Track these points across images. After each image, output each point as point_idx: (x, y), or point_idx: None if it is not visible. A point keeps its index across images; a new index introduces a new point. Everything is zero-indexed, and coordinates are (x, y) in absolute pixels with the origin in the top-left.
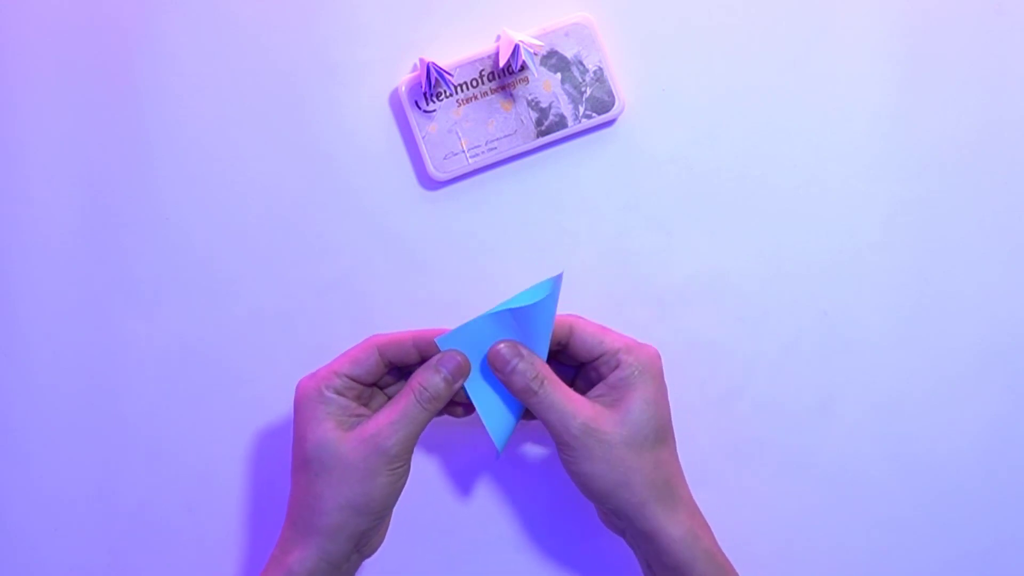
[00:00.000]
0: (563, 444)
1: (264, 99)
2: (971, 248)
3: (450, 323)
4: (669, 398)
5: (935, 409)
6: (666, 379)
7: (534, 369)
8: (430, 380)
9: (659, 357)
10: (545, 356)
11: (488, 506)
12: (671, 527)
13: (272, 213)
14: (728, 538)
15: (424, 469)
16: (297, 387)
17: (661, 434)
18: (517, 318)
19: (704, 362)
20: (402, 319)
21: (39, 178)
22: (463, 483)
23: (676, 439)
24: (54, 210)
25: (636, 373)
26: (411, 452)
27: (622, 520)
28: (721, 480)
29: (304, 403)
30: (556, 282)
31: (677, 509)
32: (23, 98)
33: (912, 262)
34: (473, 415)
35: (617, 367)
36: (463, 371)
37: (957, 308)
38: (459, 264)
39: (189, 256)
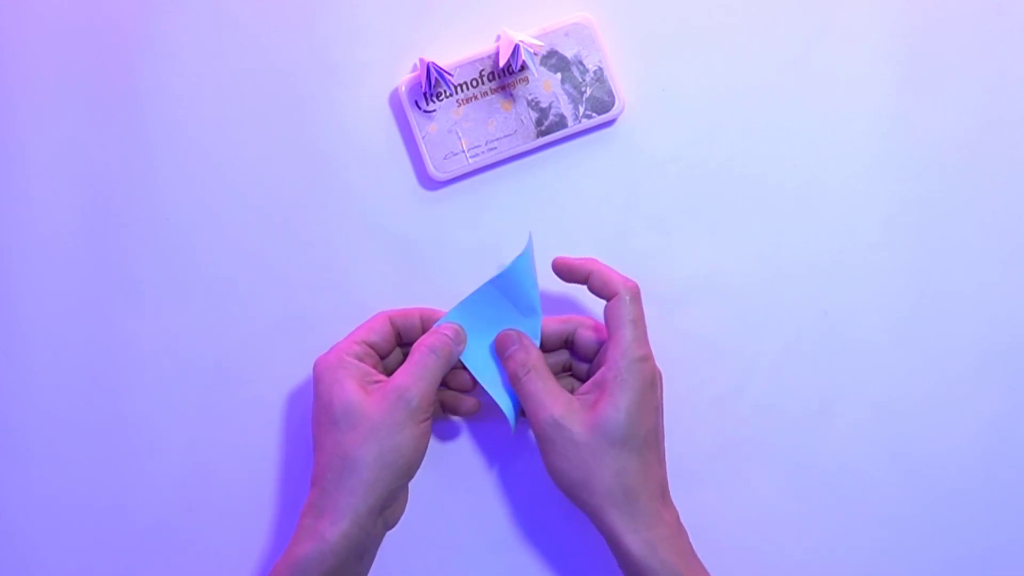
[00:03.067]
0: (536, 435)
1: (264, 99)
2: (971, 248)
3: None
4: (663, 406)
5: (935, 409)
6: (666, 379)
7: (527, 357)
8: (437, 336)
9: (654, 371)
10: (538, 311)
11: (490, 506)
12: (626, 536)
13: (272, 213)
14: (728, 538)
15: (426, 472)
16: (317, 362)
17: (631, 443)
18: (499, 286)
19: (704, 362)
20: None
21: (39, 178)
22: (466, 483)
23: (679, 440)
24: (54, 210)
25: (619, 378)
26: (431, 407)
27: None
28: (721, 480)
29: (326, 370)
30: (527, 245)
31: (635, 519)
32: (23, 98)
33: (912, 262)
34: (480, 415)
35: (603, 366)
36: (461, 335)
37: (957, 308)
38: (459, 264)
39: (189, 256)
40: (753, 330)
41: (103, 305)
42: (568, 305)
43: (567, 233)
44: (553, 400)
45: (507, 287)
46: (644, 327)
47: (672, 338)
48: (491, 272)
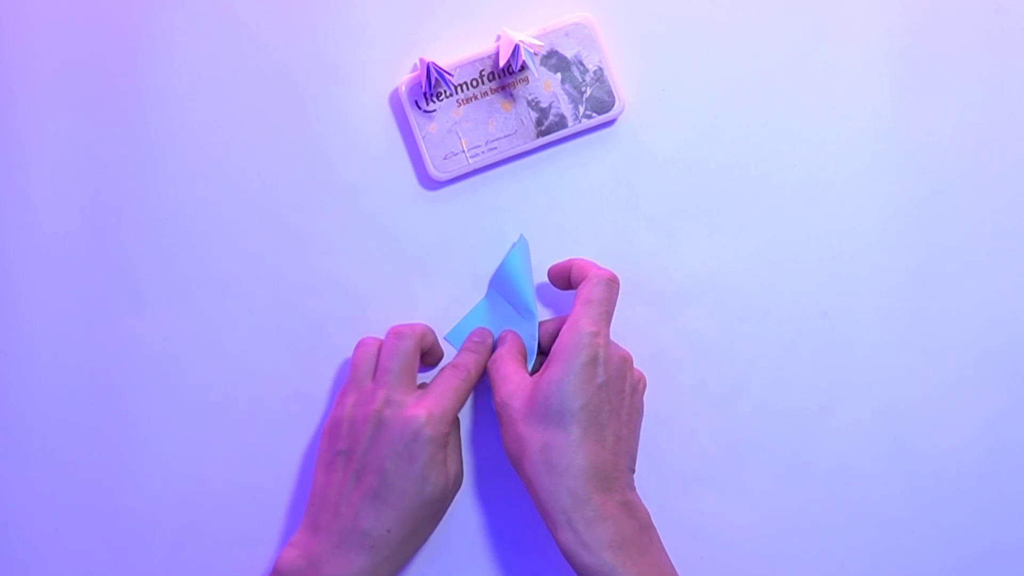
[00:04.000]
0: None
1: (264, 99)
2: (971, 248)
3: (450, 322)
4: (629, 391)
5: (935, 409)
6: (667, 379)
7: (499, 350)
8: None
9: (599, 348)
10: (534, 312)
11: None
12: (547, 512)
13: (272, 213)
14: (728, 538)
15: None
16: (430, 418)
17: (561, 418)
18: (497, 287)
19: (704, 362)
20: (402, 319)
21: (39, 178)
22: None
23: (679, 440)
24: (54, 210)
25: (559, 353)
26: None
27: None
28: (721, 480)
29: (434, 441)
30: (517, 244)
31: (559, 498)
32: (24, 97)
33: (912, 262)
34: (479, 422)
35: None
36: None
37: (957, 308)
38: (459, 264)
39: (189, 256)
40: (753, 330)
41: (103, 304)
42: (569, 308)
43: (567, 233)
44: (506, 382)
45: (502, 287)
46: (604, 309)
47: (672, 338)
48: (491, 272)
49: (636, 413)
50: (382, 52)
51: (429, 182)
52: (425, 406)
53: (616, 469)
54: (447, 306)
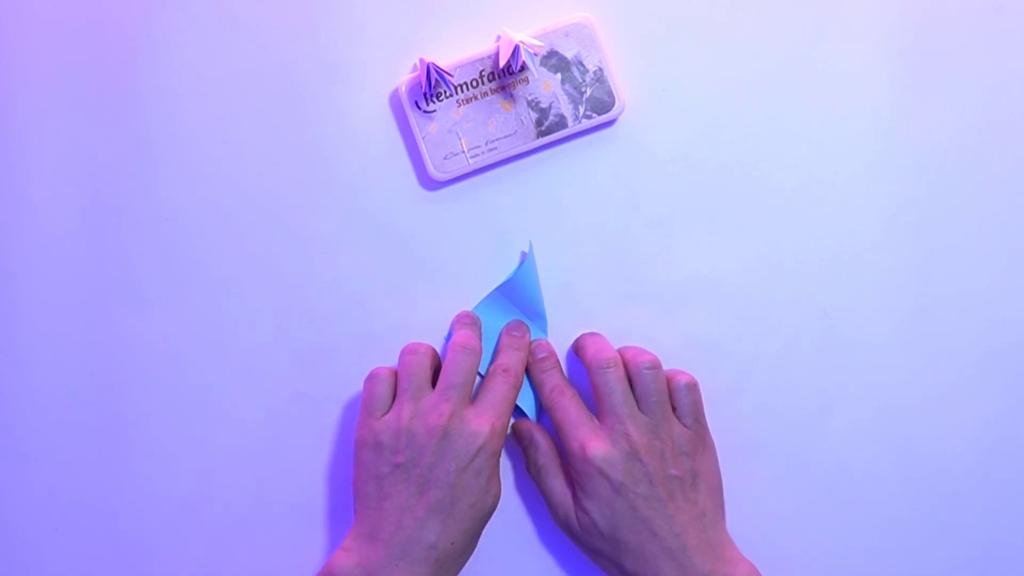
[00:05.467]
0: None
1: (264, 99)
2: (971, 248)
3: (449, 322)
4: (624, 491)
5: (935, 409)
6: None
7: (536, 452)
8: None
9: (608, 471)
10: (544, 315)
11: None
12: None
13: (272, 213)
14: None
15: None
16: (492, 431)
17: (614, 544)
18: (505, 294)
19: (704, 362)
20: (402, 319)
21: (39, 178)
22: None
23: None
24: (54, 210)
25: (577, 482)
26: None
27: None
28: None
29: (494, 456)
30: (529, 254)
31: None
32: (24, 97)
33: (912, 262)
34: None
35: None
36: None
37: (957, 308)
38: (459, 264)
39: (189, 256)
40: (753, 330)
41: (103, 305)
42: (570, 309)
43: (567, 233)
44: (557, 500)
45: (512, 295)
46: (615, 402)
47: (672, 338)
48: (491, 272)
49: (679, 481)
50: (382, 52)
51: (429, 182)
52: (488, 420)
53: (687, 549)
54: (447, 306)
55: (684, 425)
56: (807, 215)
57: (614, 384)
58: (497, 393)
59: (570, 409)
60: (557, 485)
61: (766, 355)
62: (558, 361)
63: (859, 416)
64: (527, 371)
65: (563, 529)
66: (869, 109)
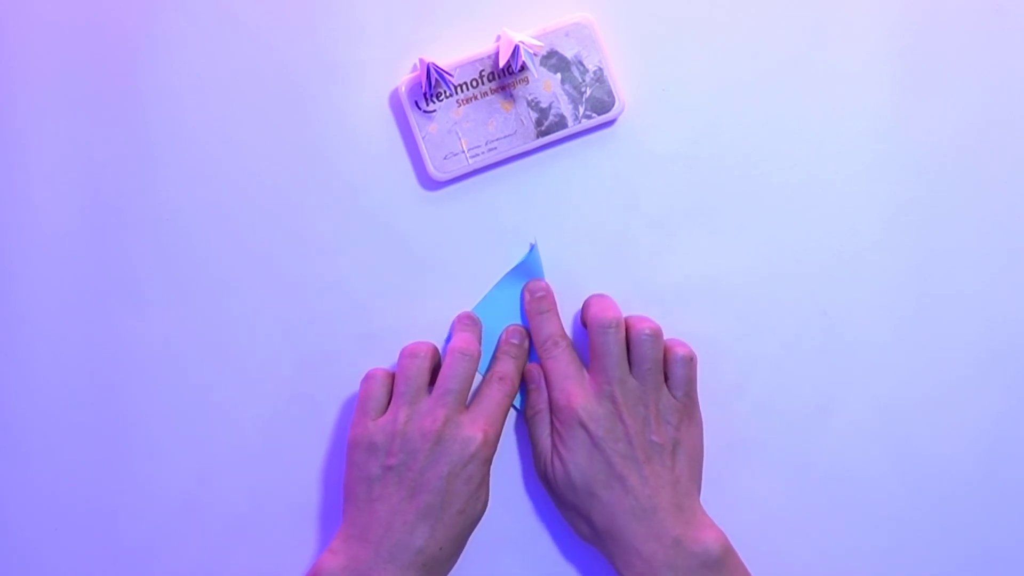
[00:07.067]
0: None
1: (264, 99)
2: (971, 248)
3: (449, 322)
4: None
5: (935, 409)
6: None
7: (538, 397)
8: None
9: (577, 417)
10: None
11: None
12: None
13: (272, 213)
14: (728, 538)
15: None
16: (485, 440)
17: (585, 494)
18: (509, 285)
19: (704, 362)
20: (402, 319)
21: (39, 178)
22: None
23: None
24: (54, 210)
25: (556, 431)
26: None
27: None
28: (721, 480)
29: (486, 463)
30: (534, 247)
31: (624, 554)
32: (24, 97)
33: (912, 262)
34: None
35: None
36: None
37: (957, 308)
38: (459, 264)
39: (189, 256)
40: (753, 330)
41: (103, 304)
42: (570, 309)
43: (567, 233)
44: (541, 448)
45: (515, 287)
46: (608, 363)
47: (672, 337)
48: (491, 272)
49: (660, 447)
50: (382, 52)
51: (429, 182)
52: (481, 427)
53: (657, 511)
54: (447, 306)
55: (674, 396)
56: (807, 215)
57: (612, 346)
58: (492, 401)
59: (561, 360)
60: (545, 434)
61: (766, 355)
62: (555, 304)
63: (859, 416)
64: (524, 313)
65: (540, 479)
66: (869, 109)
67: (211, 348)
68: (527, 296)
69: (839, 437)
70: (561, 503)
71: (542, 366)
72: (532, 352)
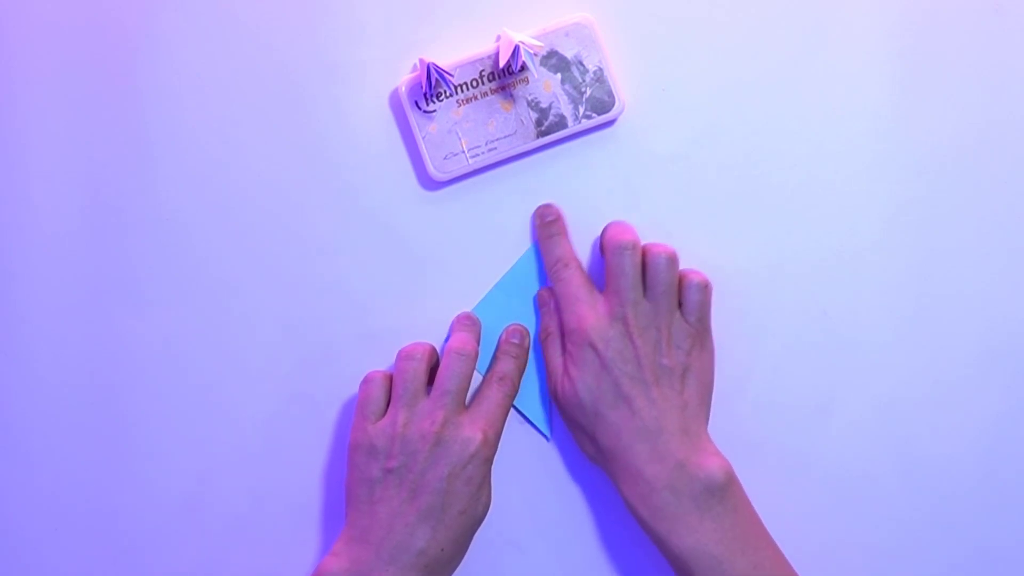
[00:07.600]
0: None
1: (264, 99)
2: (971, 248)
3: (449, 322)
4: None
5: (935, 409)
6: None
7: (548, 322)
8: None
9: (587, 338)
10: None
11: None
12: (623, 491)
13: (272, 213)
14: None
15: None
16: (485, 440)
17: (590, 413)
18: (508, 285)
19: None
20: (402, 319)
21: (39, 177)
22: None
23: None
24: (54, 210)
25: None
26: None
27: None
28: None
29: (487, 462)
30: (532, 251)
31: (624, 475)
32: (24, 97)
33: (912, 262)
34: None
35: None
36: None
37: (957, 308)
38: (459, 264)
39: (189, 256)
40: (753, 330)
41: (103, 304)
42: None
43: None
44: (553, 367)
45: (513, 286)
46: (622, 284)
47: None
48: (491, 272)
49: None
50: (382, 52)
51: (429, 182)
52: (480, 427)
53: (663, 432)
54: (447, 306)
55: (687, 322)
56: (807, 215)
57: (627, 268)
58: (492, 401)
59: (572, 282)
60: (557, 354)
61: (766, 355)
62: (566, 228)
63: (859, 416)
64: (534, 235)
65: (551, 396)
66: (869, 109)
67: (211, 348)
68: (537, 221)
69: (839, 437)
70: (570, 422)
71: (555, 288)
72: (530, 424)
